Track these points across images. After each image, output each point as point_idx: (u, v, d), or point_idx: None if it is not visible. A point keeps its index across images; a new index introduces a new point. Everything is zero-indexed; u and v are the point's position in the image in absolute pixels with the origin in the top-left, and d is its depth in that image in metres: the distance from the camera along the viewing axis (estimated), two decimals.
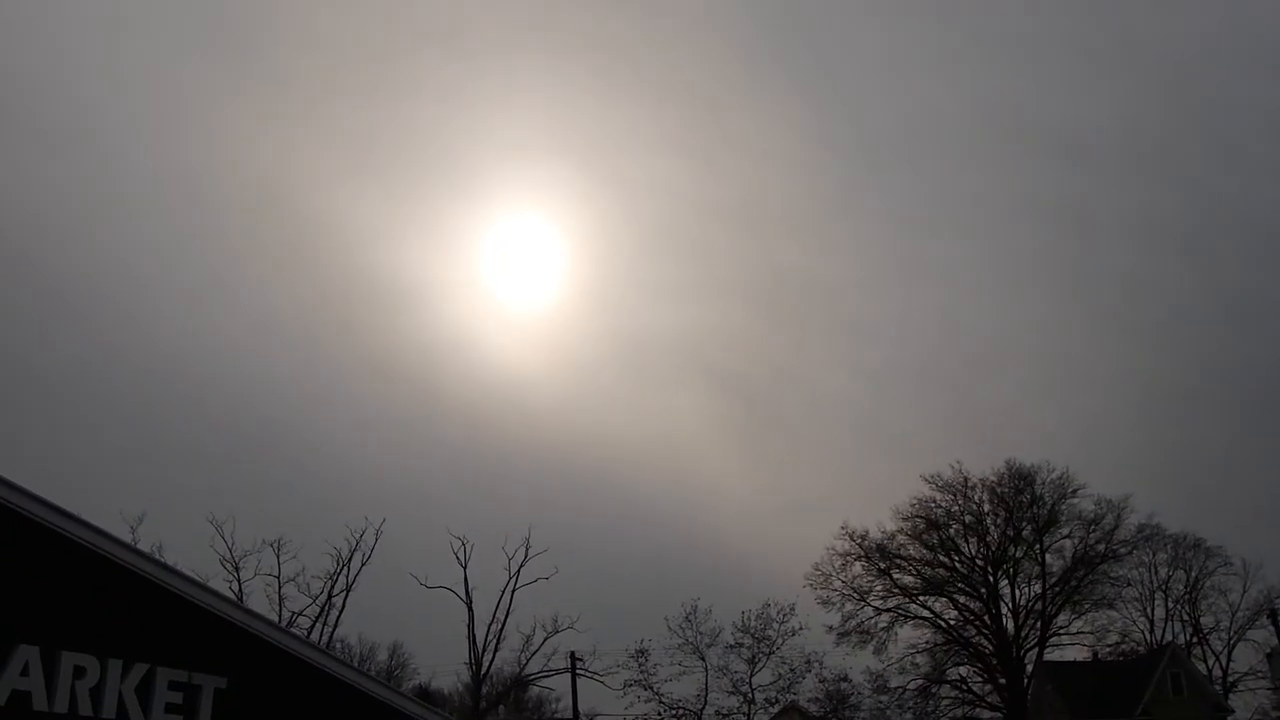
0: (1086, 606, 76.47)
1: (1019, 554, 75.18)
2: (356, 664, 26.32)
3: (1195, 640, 79.25)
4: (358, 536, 54.07)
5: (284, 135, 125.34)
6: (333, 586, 53.47)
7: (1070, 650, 77.47)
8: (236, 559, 50.97)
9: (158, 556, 21.71)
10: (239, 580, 50.04)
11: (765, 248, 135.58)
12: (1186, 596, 79.75)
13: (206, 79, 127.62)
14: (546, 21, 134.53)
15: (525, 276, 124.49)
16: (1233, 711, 73.21)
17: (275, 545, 52.87)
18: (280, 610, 50.40)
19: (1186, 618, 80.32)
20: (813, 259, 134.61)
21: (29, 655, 17.99)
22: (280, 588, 52.32)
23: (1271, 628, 68.44)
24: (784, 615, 63.48)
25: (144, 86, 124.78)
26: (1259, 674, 78.23)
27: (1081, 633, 77.89)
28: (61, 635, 18.60)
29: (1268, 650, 73.22)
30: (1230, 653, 79.64)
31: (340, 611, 54.27)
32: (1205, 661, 78.23)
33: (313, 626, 51.80)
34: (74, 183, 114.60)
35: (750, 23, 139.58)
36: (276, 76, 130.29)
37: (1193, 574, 79.05)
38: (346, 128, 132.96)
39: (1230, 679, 78.54)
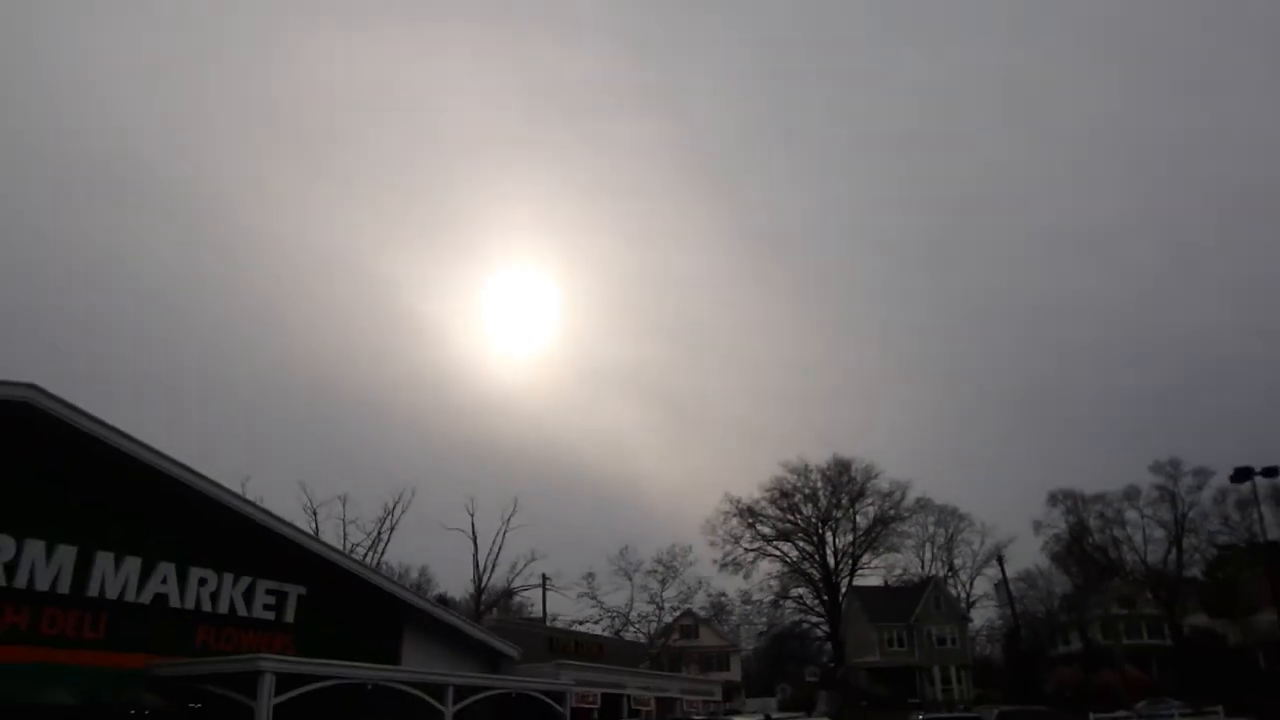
0: (881, 550, 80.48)
1: (839, 515, 77.70)
2: (396, 579, 26.36)
3: (949, 574, 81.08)
4: (399, 495, 54.00)
5: (345, 214, 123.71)
6: (381, 527, 53.07)
7: (870, 578, 78.40)
8: (315, 507, 50.55)
9: (260, 504, 21.55)
10: (316, 521, 49.57)
11: (683, 304, 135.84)
12: (945, 546, 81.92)
13: (288, 175, 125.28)
14: (532, 140, 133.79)
15: (516, 318, 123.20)
16: (971, 620, 74.88)
17: (342, 499, 53.25)
18: (344, 542, 49.88)
19: (945, 560, 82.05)
20: (717, 312, 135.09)
21: (167, 571, 17.88)
22: (345, 527, 51.84)
23: (998, 567, 69.45)
24: (685, 553, 63.63)
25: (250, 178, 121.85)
26: (989, 597, 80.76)
27: (878, 568, 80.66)
28: (191, 556, 18.56)
29: (995, 582, 75.18)
30: (971, 583, 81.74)
31: (386, 543, 53.76)
32: (955, 588, 79.79)
33: (366, 554, 51.26)
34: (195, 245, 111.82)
35: (683, 153, 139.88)
36: (342, 174, 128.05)
37: (949, 531, 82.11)
38: (398, 214, 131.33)
39: (971, 600, 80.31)
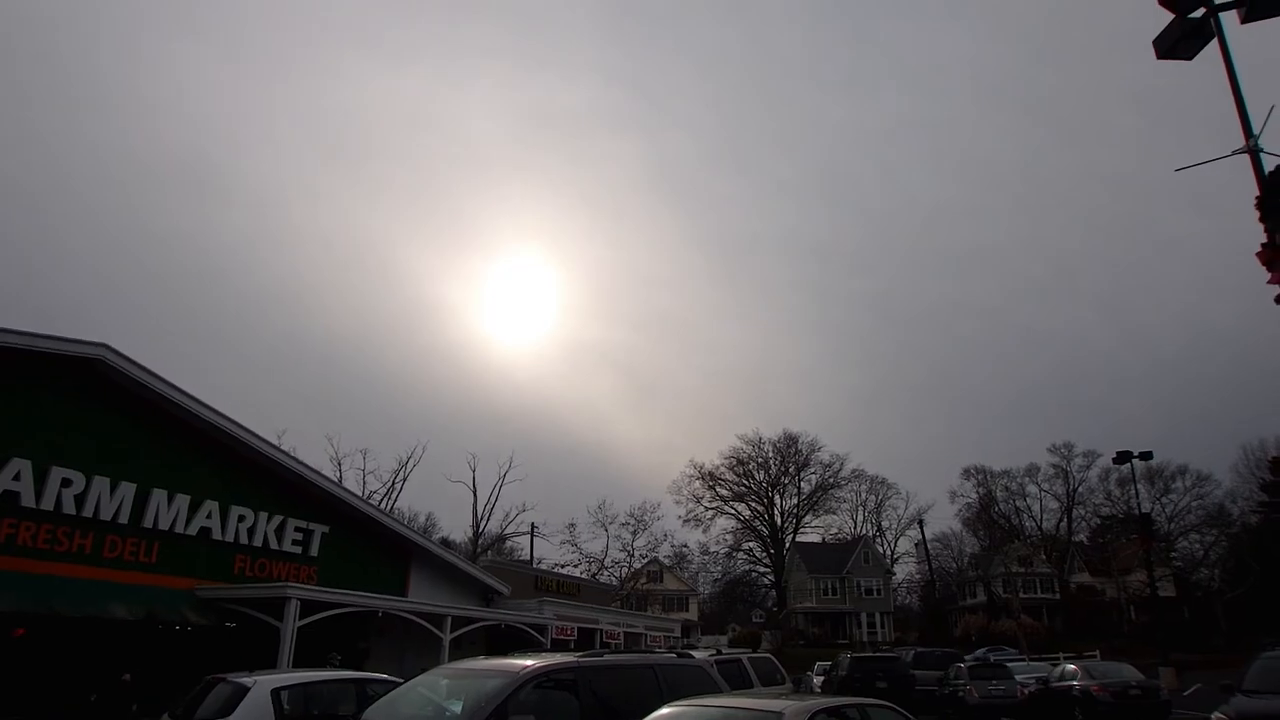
0: (821, 512, 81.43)
1: (786, 481, 78.57)
2: (405, 522, 26.45)
3: (877, 534, 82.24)
4: (412, 450, 54.39)
5: (378, 212, 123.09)
6: (396, 477, 53.24)
7: (811, 535, 79.48)
8: (340, 458, 50.72)
9: (293, 453, 21.75)
10: (340, 470, 49.70)
11: (651, 297, 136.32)
12: (875, 510, 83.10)
13: (333, 177, 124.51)
14: (529, 155, 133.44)
15: (513, 303, 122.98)
16: (894, 574, 76.14)
17: (363, 452, 53.87)
18: (363, 489, 50.02)
19: (874, 522, 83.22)
20: (681, 305, 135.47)
21: (212, 508, 18.10)
22: (364, 476, 52.03)
23: (919, 530, 70.73)
24: (654, 509, 64.20)
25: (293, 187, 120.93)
26: (910, 555, 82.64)
27: (817, 527, 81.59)
28: (232, 495, 18.76)
29: (915, 542, 76.52)
30: (896, 542, 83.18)
31: (399, 492, 53.94)
32: (882, 547, 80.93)
33: (382, 500, 51.39)
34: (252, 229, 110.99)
35: (653, 170, 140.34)
36: (379, 181, 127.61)
37: (879, 497, 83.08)
38: (420, 214, 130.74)
39: (895, 557, 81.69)
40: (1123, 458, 37.55)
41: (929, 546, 74.34)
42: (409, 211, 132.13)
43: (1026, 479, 78.51)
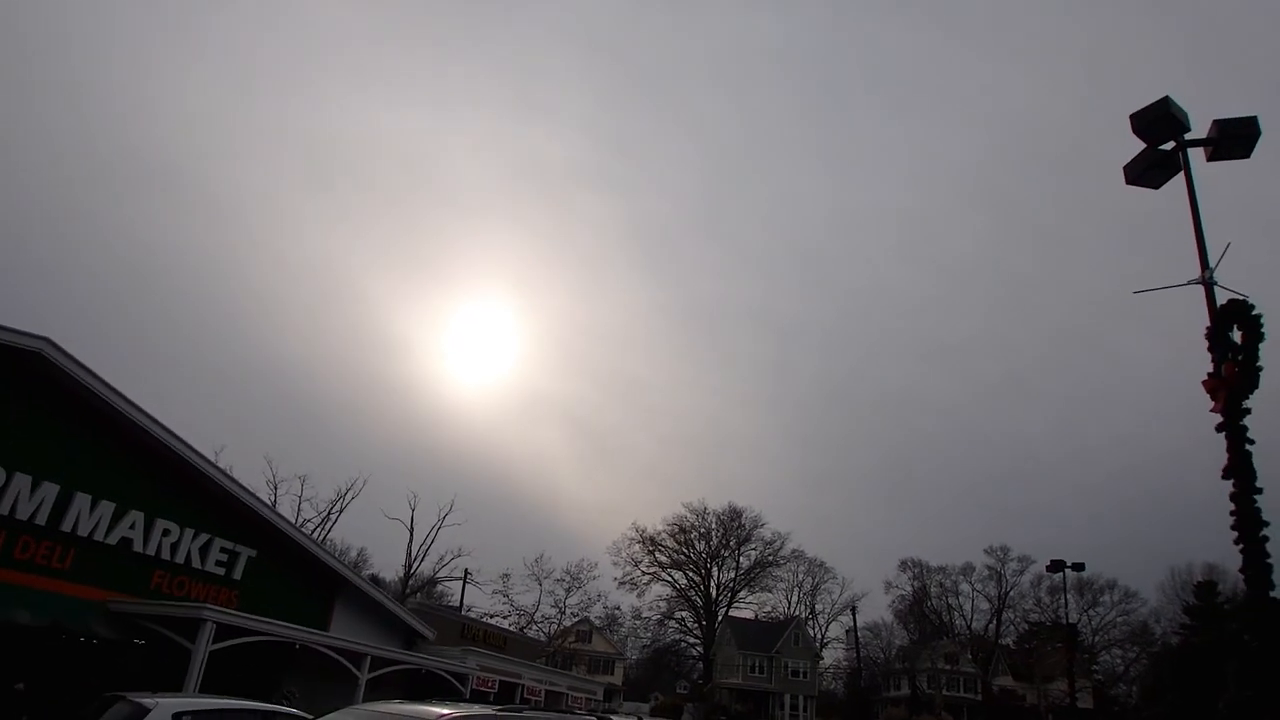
0: (757, 589, 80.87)
1: (726, 554, 78.31)
2: (337, 555, 25.61)
3: (810, 616, 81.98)
4: (352, 482, 53.25)
5: (343, 237, 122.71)
6: (332, 508, 52.01)
7: (744, 610, 78.90)
8: (277, 481, 49.40)
9: (228, 471, 21.16)
10: (275, 494, 48.37)
11: (613, 356, 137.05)
12: (810, 592, 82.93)
13: (303, 198, 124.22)
14: (504, 202, 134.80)
15: (471, 345, 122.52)
16: (823, 658, 75.89)
17: (301, 479, 52.44)
18: (298, 516, 48.66)
19: (808, 604, 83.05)
20: (641, 366, 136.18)
21: (136, 518, 17.54)
22: (300, 503, 50.70)
23: (851, 617, 70.69)
24: (590, 568, 63.47)
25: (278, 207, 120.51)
26: (840, 641, 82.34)
27: (751, 603, 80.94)
28: (160, 508, 18.20)
29: (846, 629, 76.47)
30: (827, 626, 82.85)
31: (334, 521, 52.63)
32: (813, 629, 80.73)
33: (315, 529, 50.03)
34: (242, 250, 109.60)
35: (628, 232, 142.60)
36: (348, 208, 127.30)
37: (815, 579, 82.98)
38: (385, 244, 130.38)
39: (825, 641, 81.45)
40: (1056, 566, 38.30)
41: (859, 634, 74.35)
42: (373, 241, 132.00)
43: (961, 577, 79.58)
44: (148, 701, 9.60)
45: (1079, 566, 38.19)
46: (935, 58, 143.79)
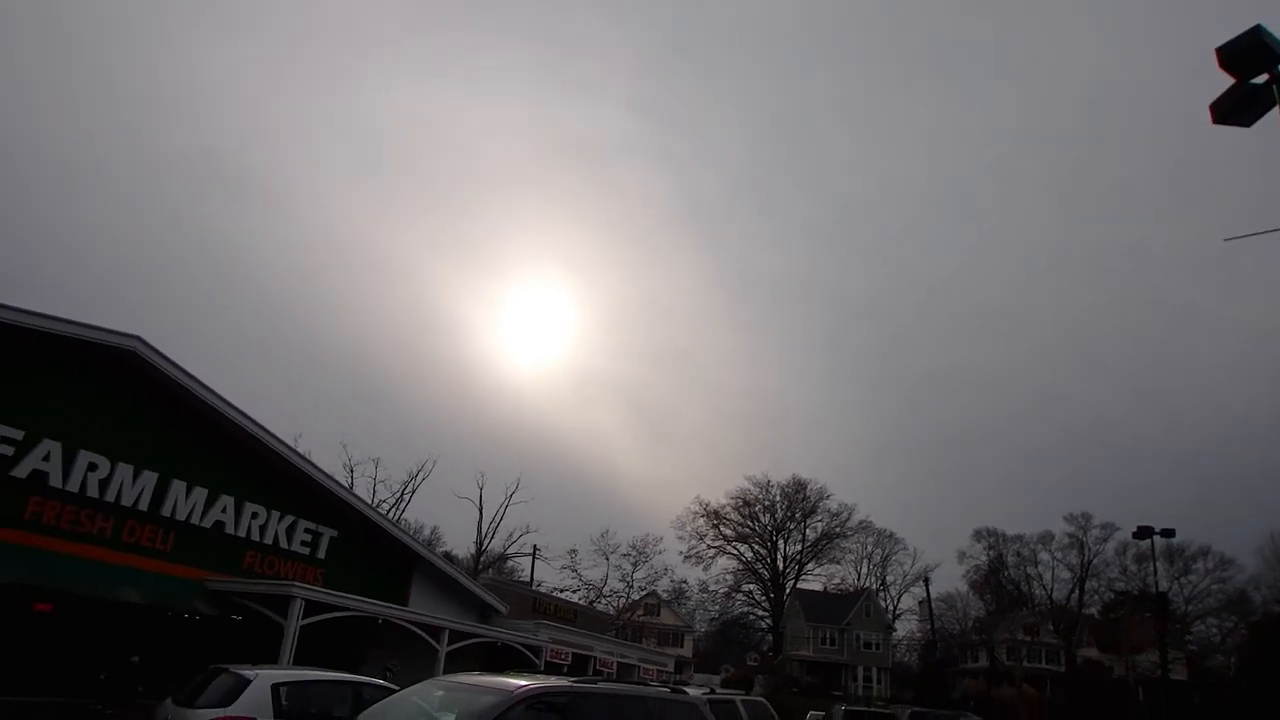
0: (824, 561, 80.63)
1: (791, 527, 78.05)
2: (411, 534, 26.64)
3: (881, 588, 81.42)
4: (423, 463, 55.14)
5: (400, 225, 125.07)
6: (405, 489, 53.96)
7: (812, 583, 78.95)
8: (352, 465, 51.51)
9: (308, 457, 22.22)
10: (351, 477, 50.35)
11: (666, 332, 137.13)
12: (880, 563, 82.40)
13: (361, 193, 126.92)
14: (552, 181, 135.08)
15: (527, 325, 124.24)
16: (895, 630, 75.30)
17: (376, 461, 54.62)
18: (373, 497, 50.60)
19: (878, 575, 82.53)
20: (694, 341, 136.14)
21: (227, 503, 18.50)
22: (375, 485, 52.73)
23: (924, 587, 69.97)
24: (655, 542, 64.13)
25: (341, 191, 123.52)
26: (912, 612, 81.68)
27: (819, 575, 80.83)
28: (248, 493, 19.17)
29: (919, 600, 75.76)
30: (899, 598, 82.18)
31: (407, 503, 54.58)
32: (884, 601, 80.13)
33: (390, 509, 51.96)
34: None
35: (677, 205, 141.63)
36: (401, 193, 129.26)
37: (885, 551, 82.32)
38: (440, 230, 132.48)
39: (897, 613, 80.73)
40: (1143, 533, 37.12)
41: (933, 605, 73.56)
42: (427, 225, 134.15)
43: (1039, 546, 77.79)
44: (249, 673, 10.36)
45: (1168, 533, 36.91)
46: (983, 13, 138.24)
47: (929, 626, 74.93)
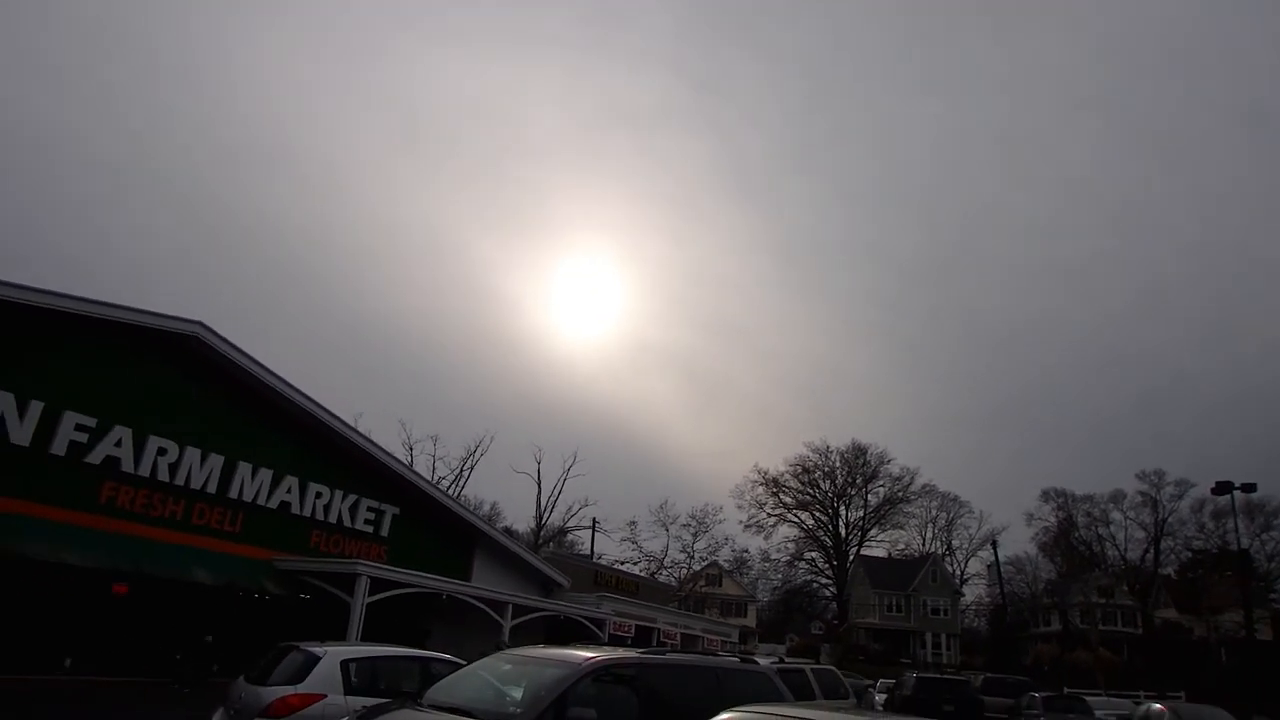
0: (888, 526, 79.68)
1: (853, 493, 77.29)
2: (472, 510, 26.97)
3: (947, 553, 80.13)
4: (480, 439, 56.01)
5: (450, 200, 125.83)
6: (464, 465, 54.63)
7: (876, 549, 78.14)
8: (411, 443, 52.41)
9: (369, 436, 22.52)
10: (411, 455, 51.23)
11: (716, 300, 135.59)
12: (945, 528, 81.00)
13: (406, 169, 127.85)
14: (599, 151, 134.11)
15: (578, 298, 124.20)
16: (963, 595, 74.04)
17: (434, 439, 55.85)
18: (433, 474, 51.43)
19: (944, 540, 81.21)
20: (746, 309, 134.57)
21: (292, 483, 18.77)
22: (434, 462, 53.50)
23: (992, 551, 68.63)
24: (715, 512, 63.96)
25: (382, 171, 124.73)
26: (980, 576, 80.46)
27: (883, 541, 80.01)
28: (311, 473, 19.45)
29: (987, 564, 74.46)
30: (966, 563, 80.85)
31: (466, 479, 55.29)
32: (951, 566, 78.85)
33: (450, 486, 52.78)
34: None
35: (724, 171, 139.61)
36: (447, 168, 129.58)
37: (950, 515, 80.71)
38: (488, 204, 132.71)
39: (964, 578, 79.41)
40: (1222, 488, 35.68)
41: (1001, 569, 72.18)
42: (473, 200, 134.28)
43: (1111, 505, 75.43)
44: (318, 650, 10.44)
45: (1249, 487, 35.40)
46: None
47: (998, 591, 73.54)
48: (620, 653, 7.93)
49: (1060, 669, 52.72)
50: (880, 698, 30.31)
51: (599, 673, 7.21)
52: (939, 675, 30.94)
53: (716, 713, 6.98)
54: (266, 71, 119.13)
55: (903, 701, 23.57)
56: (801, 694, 13.81)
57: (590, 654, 7.45)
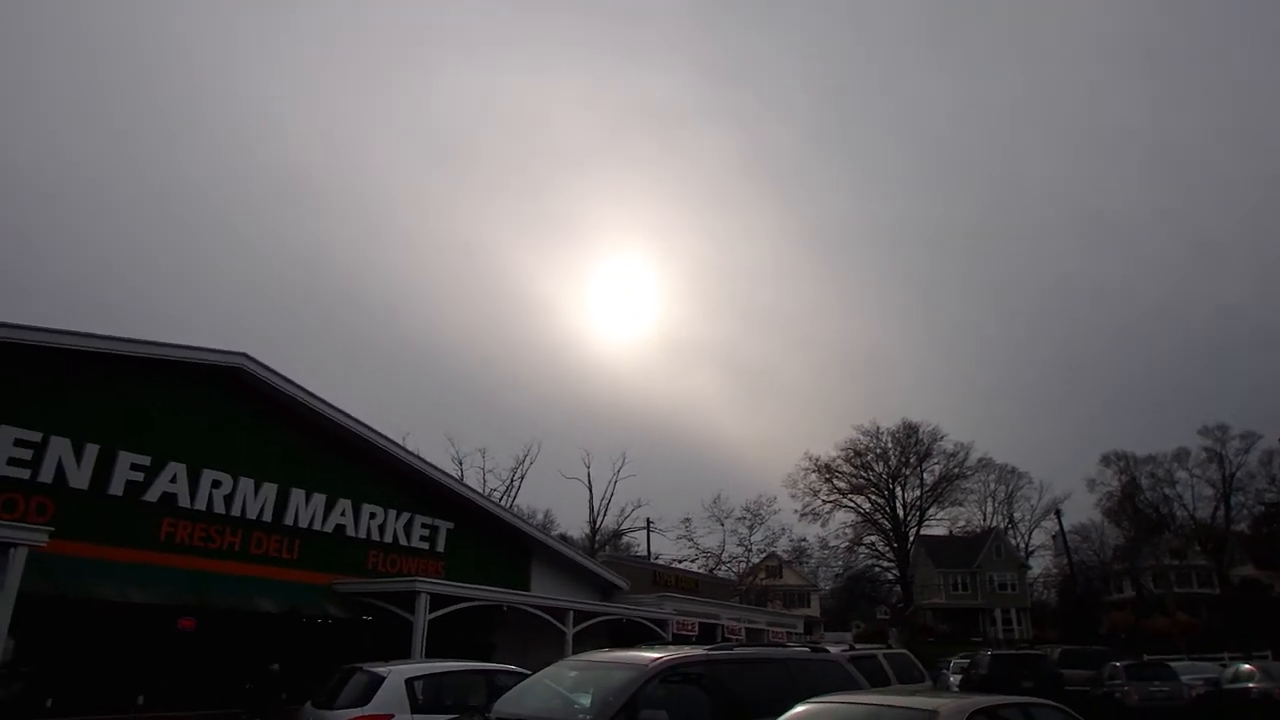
0: (946, 504, 77.92)
1: (907, 472, 75.92)
2: (525, 519, 26.99)
3: (1009, 526, 78.34)
4: (528, 448, 56.10)
5: (480, 211, 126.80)
6: (514, 475, 54.79)
7: (936, 528, 76.72)
8: (460, 457, 52.71)
9: (418, 454, 22.53)
10: (460, 469, 51.53)
11: (753, 291, 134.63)
12: (1005, 500, 79.04)
13: (438, 186, 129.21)
14: (625, 152, 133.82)
15: (615, 299, 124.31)
16: (1030, 568, 72.07)
17: (482, 452, 56.16)
18: (484, 486, 51.65)
19: (1005, 513, 79.31)
20: (784, 298, 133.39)
21: (345, 506, 18.77)
22: (484, 475, 53.78)
23: (1055, 520, 66.95)
24: (769, 503, 63.34)
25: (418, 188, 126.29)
26: (1045, 548, 78.31)
27: (942, 519, 78.35)
28: (364, 494, 19.43)
29: (1052, 534, 72.64)
30: (1030, 535, 78.67)
31: (517, 489, 55.49)
32: (1015, 539, 77.09)
33: (502, 497, 53.00)
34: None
35: (750, 162, 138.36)
36: (476, 181, 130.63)
37: (1009, 487, 78.86)
38: (518, 212, 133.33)
39: (1030, 550, 77.34)
40: None
41: (1067, 538, 70.36)
42: (503, 208, 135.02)
43: (1175, 465, 73.27)
44: (382, 670, 10.35)
45: None
46: None
47: (1065, 561, 71.71)
48: (687, 651, 7.65)
49: (1137, 636, 51.13)
50: (954, 678, 29.57)
51: (667, 673, 6.95)
52: (1015, 651, 30.10)
53: (790, 705, 6.67)
54: (297, 103, 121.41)
55: (979, 680, 22.90)
56: (875, 680, 13.37)
57: (656, 654, 7.19)
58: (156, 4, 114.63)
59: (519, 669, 11.35)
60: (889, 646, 23.09)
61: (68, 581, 12.89)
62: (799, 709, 6.49)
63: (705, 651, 7.69)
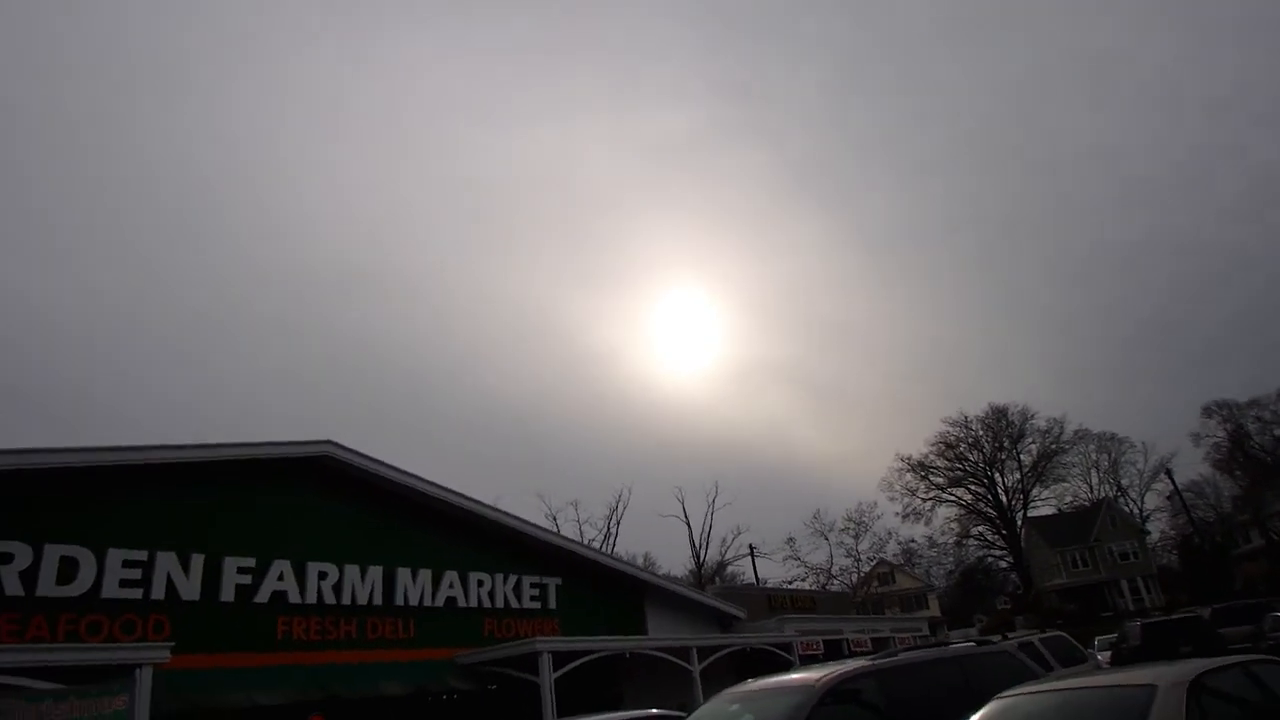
0: (1049, 482, 73.38)
1: (1004, 457, 72.24)
2: (631, 563, 26.40)
3: (1119, 494, 73.52)
4: (619, 495, 55.47)
5: (527, 269, 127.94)
6: (609, 522, 54.29)
7: (1043, 508, 72.68)
8: (554, 513, 52.46)
9: (516, 515, 21.97)
10: (556, 524, 51.22)
11: (811, 306, 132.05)
12: (1110, 469, 74.42)
13: (479, 244, 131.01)
14: (659, 185, 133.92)
15: (675, 335, 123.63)
16: (1149, 533, 67.53)
17: (575, 504, 55.92)
18: (582, 537, 51.14)
19: (1112, 481, 74.68)
20: (838, 310, 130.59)
21: (452, 577, 18.12)
22: (580, 526, 53.41)
23: (1167, 480, 62.75)
24: (870, 509, 61.10)
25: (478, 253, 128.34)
26: (1161, 510, 73.27)
27: (1048, 498, 74.04)
28: (469, 563, 18.80)
29: (1166, 495, 68.04)
30: (1143, 499, 73.70)
31: (616, 536, 54.88)
32: (1127, 506, 72.28)
33: (602, 545, 52.38)
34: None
35: (787, 175, 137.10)
36: (517, 238, 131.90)
37: (1112, 455, 74.19)
38: (564, 264, 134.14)
39: (1145, 515, 72.36)
40: None
41: (1183, 496, 65.76)
42: (552, 262, 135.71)
43: None
44: None
45: None
46: None
47: (1185, 519, 67.00)
48: (851, 665, 6.71)
49: (1277, 584, 46.97)
50: (1103, 655, 27.35)
51: (837, 689, 6.03)
52: (1167, 617, 27.74)
53: (971, 703, 5.80)
54: (324, 189, 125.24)
55: (1132, 652, 20.91)
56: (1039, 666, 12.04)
57: (819, 673, 6.28)
58: (207, 110, 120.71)
59: (673, 712, 10.46)
60: (1042, 631, 21.32)
61: (195, 694, 12.52)
62: (993, 704, 5.61)
63: (869, 662, 6.76)
